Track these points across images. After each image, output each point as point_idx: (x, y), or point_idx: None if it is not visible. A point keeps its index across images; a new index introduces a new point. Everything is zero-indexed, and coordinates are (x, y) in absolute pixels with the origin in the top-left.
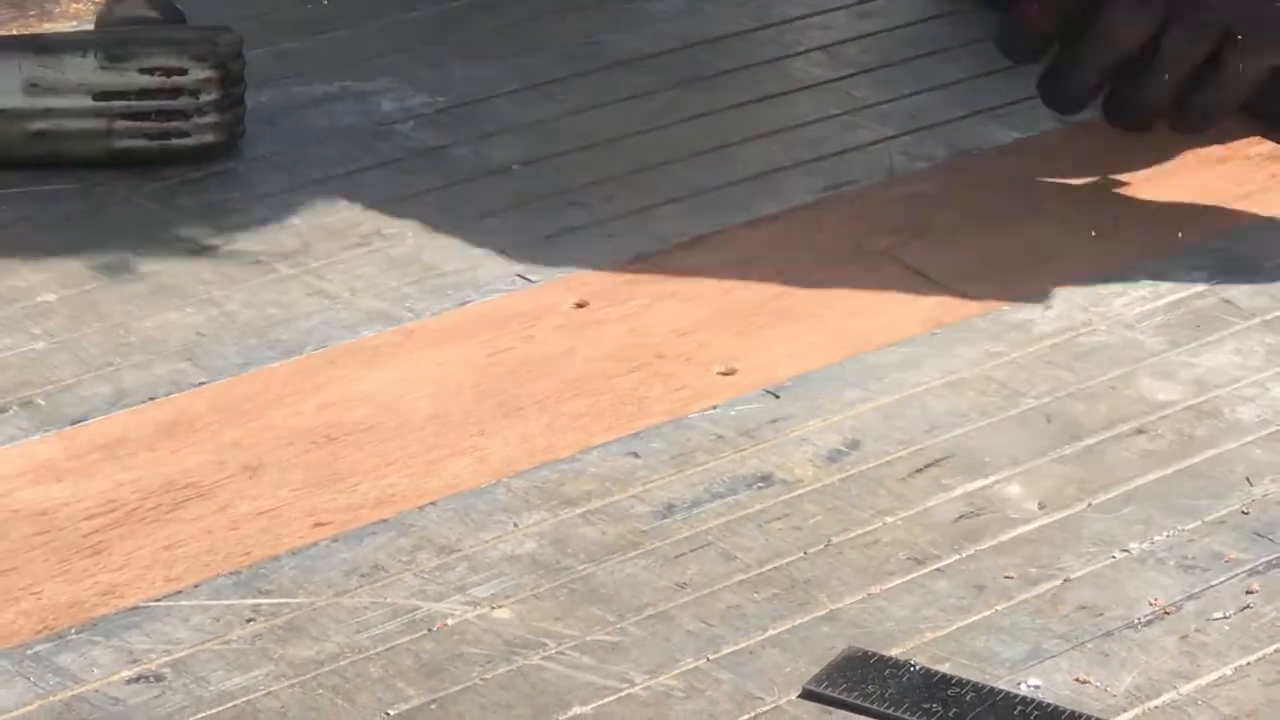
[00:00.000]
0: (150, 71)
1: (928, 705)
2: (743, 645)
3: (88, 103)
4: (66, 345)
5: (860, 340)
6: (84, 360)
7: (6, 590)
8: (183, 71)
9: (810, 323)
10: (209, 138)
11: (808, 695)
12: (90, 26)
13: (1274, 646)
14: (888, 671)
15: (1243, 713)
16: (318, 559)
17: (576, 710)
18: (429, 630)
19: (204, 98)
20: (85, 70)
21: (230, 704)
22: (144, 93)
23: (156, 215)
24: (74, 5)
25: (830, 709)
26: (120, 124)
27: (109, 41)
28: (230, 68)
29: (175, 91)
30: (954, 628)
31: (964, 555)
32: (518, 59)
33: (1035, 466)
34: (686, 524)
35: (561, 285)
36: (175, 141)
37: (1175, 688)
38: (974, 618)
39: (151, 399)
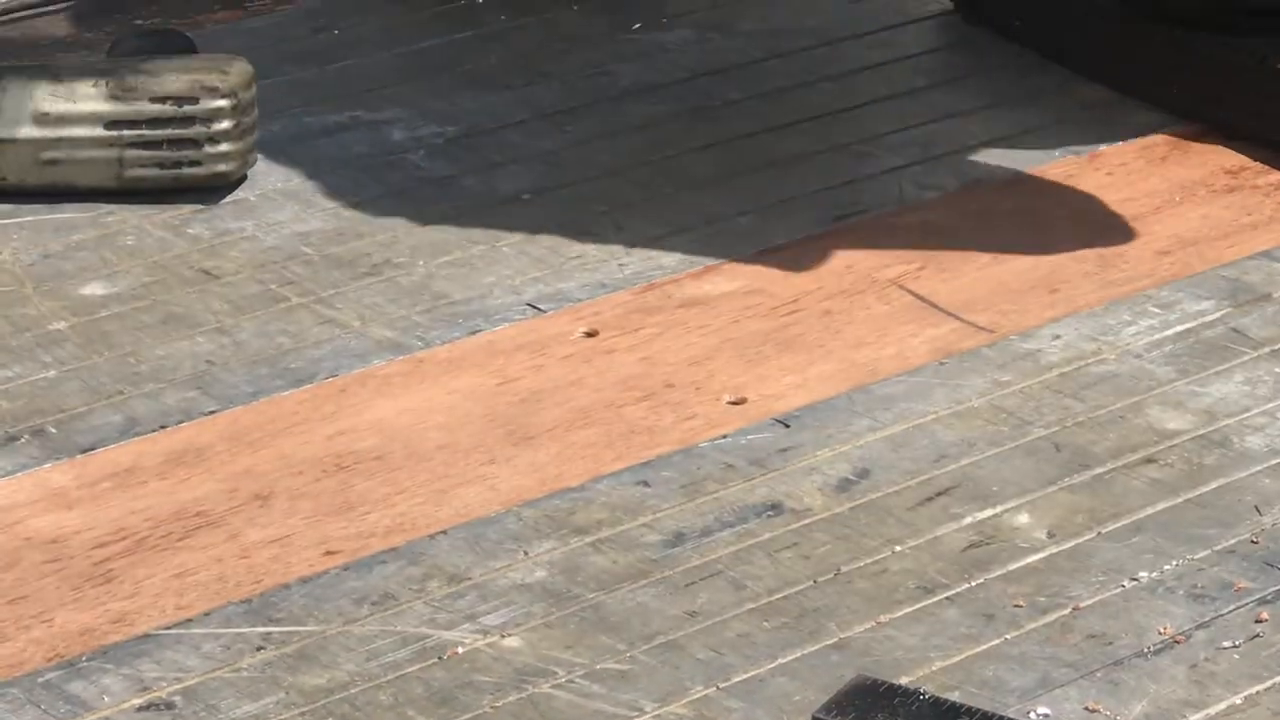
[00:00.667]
0: (162, 100)
1: None
2: (752, 674)
3: (99, 132)
4: (77, 374)
5: (869, 370)
6: (95, 389)
7: (18, 618)
8: (194, 100)
9: (820, 352)
10: (221, 166)
11: None
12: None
13: None
14: (897, 700)
15: None
16: (328, 587)
17: None
18: (439, 658)
19: (216, 126)
20: (97, 99)
21: None
22: (155, 121)
23: (168, 244)
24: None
25: None
26: (131, 153)
27: (120, 71)
28: (241, 97)
29: (187, 120)
30: (963, 656)
31: (973, 584)
32: (527, 89)
33: (1044, 495)
34: (696, 553)
35: (571, 314)
36: (188, 170)
37: (1185, 716)
38: (983, 646)
39: (162, 427)
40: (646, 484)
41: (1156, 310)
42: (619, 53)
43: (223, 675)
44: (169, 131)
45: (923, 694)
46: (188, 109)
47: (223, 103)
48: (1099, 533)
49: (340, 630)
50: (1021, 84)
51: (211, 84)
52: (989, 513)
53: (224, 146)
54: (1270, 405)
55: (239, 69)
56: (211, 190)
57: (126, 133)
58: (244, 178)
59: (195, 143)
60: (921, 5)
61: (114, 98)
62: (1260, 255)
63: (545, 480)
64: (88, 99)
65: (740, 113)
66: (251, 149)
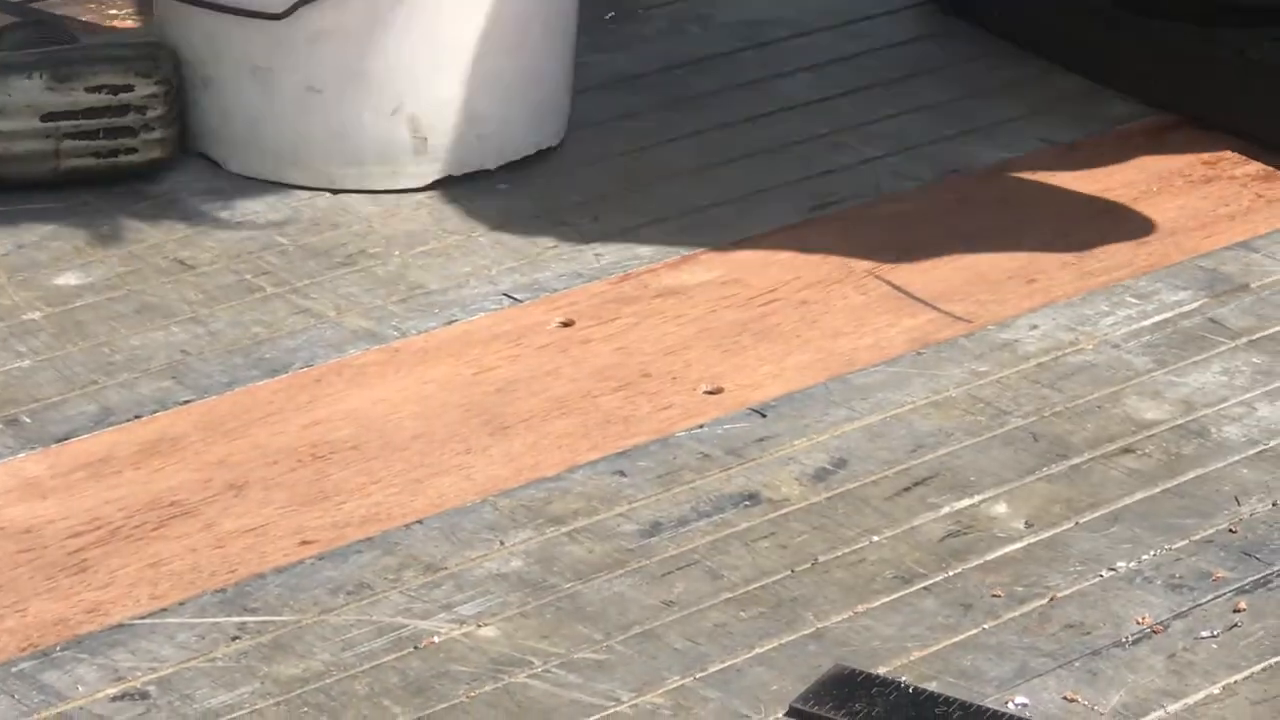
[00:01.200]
0: (97, 90)
1: None
2: (729, 663)
3: (36, 124)
4: (52, 363)
5: (846, 360)
6: (69, 378)
7: None
8: (129, 88)
9: (796, 342)
10: (156, 153)
11: (794, 714)
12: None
13: (1261, 665)
14: (875, 690)
15: None
16: (303, 577)
17: None
18: (415, 648)
19: (151, 113)
20: (33, 92)
21: None
22: (91, 111)
23: (143, 234)
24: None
25: None
26: (68, 144)
27: (54, 61)
28: (172, 82)
29: (123, 109)
30: (941, 646)
31: (951, 574)
32: None
33: (1022, 485)
34: (673, 542)
35: (547, 304)
36: (124, 158)
37: (1163, 706)
38: (961, 636)
39: (137, 417)
40: (623, 474)
41: (1134, 300)
42: (595, 43)
43: (198, 665)
44: (105, 121)
45: (900, 684)
46: (123, 97)
47: (156, 89)
48: (1077, 523)
49: (316, 620)
50: (998, 75)
51: (145, 71)
52: (966, 503)
53: (158, 133)
54: (1248, 395)
55: (168, 54)
56: (147, 177)
57: (63, 124)
58: (180, 163)
59: (131, 130)
60: None
61: (50, 89)
62: (1238, 245)
63: (521, 470)
64: (23, 92)
65: (717, 103)
66: (183, 134)
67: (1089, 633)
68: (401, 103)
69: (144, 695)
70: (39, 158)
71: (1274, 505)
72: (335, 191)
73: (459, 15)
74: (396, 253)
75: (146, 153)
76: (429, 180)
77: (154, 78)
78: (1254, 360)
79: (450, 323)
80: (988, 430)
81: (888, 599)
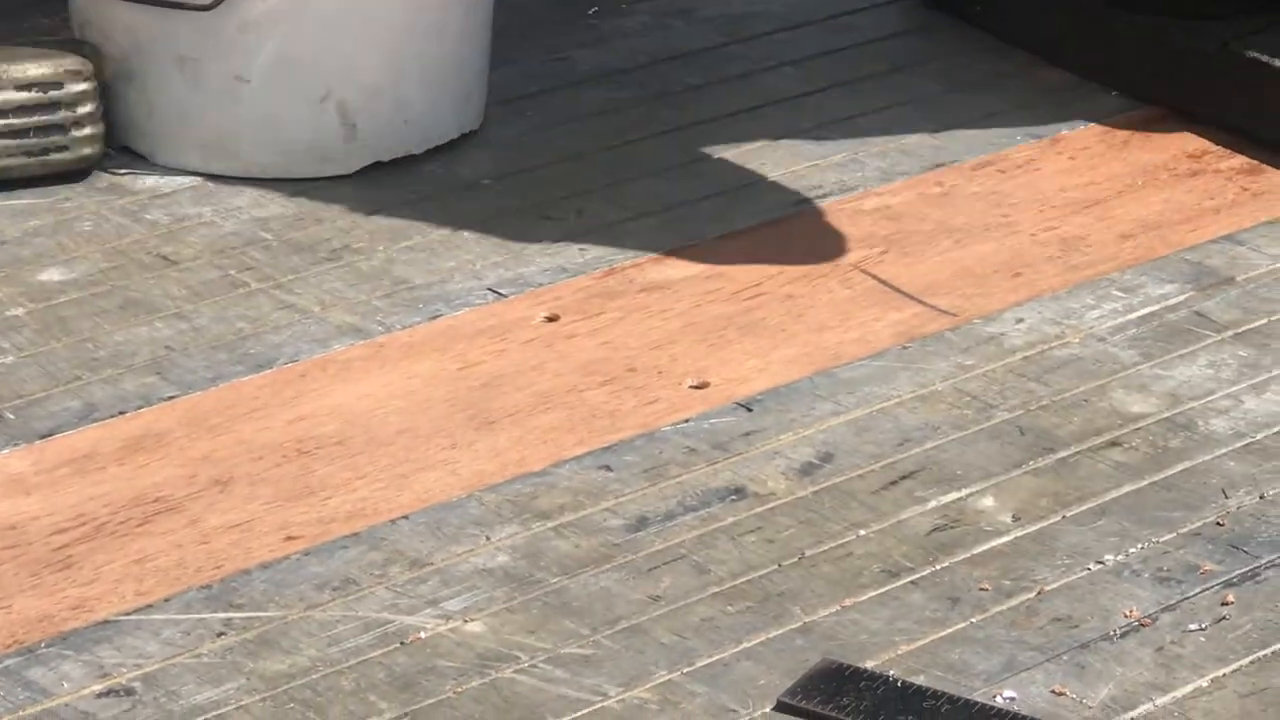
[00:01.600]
0: (27, 87)
1: (903, 717)
2: (716, 658)
3: None
4: (35, 359)
5: (832, 354)
6: (53, 374)
7: None
8: (59, 85)
9: (782, 336)
10: (86, 150)
11: (782, 708)
12: None
13: (1250, 658)
14: (862, 684)
15: None
16: (289, 572)
17: None
18: (401, 643)
19: (80, 110)
20: None
21: (201, 718)
22: (21, 109)
23: (126, 229)
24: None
25: None
26: None
27: None
28: (100, 78)
29: (53, 106)
30: (929, 640)
31: (938, 568)
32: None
33: (1009, 479)
34: (660, 537)
35: (532, 299)
36: (54, 156)
37: (1151, 699)
38: (949, 630)
39: (121, 413)
40: (609, 468)
41: (1120, 294)
42: (579, 38)
43: (183, 661)
44: (35, 119)
45: (888, 677)
46: (53, 94)
47: (86, 86)
48: (1064, 516)
49: (302, 615)
50: (982, 68)
51: (74, 68)
52: (953, 496)
53: (88, 130)
54: (1234, 388)
55: (93, 49)
56: (79, 175)
57: None
58: (110, 160)
59: (62, 128)
60: None
61: None
62: (1223, 239)
63: (507, 465)
64: None
65: (701, 98)
66: (110, 131)
67: (1077, 626)
68: (330, 90)
69: (129, 692)
70: None
71: (1261, 498)
72: (256, 180)
73: (385, 2)
74: (381, 248)
75: (77, 150)
76: (358, 167)
77: (83, 74)
78: (1240, 353)
79: (435, 318)
80: (974, 424)
81: (875, 593)
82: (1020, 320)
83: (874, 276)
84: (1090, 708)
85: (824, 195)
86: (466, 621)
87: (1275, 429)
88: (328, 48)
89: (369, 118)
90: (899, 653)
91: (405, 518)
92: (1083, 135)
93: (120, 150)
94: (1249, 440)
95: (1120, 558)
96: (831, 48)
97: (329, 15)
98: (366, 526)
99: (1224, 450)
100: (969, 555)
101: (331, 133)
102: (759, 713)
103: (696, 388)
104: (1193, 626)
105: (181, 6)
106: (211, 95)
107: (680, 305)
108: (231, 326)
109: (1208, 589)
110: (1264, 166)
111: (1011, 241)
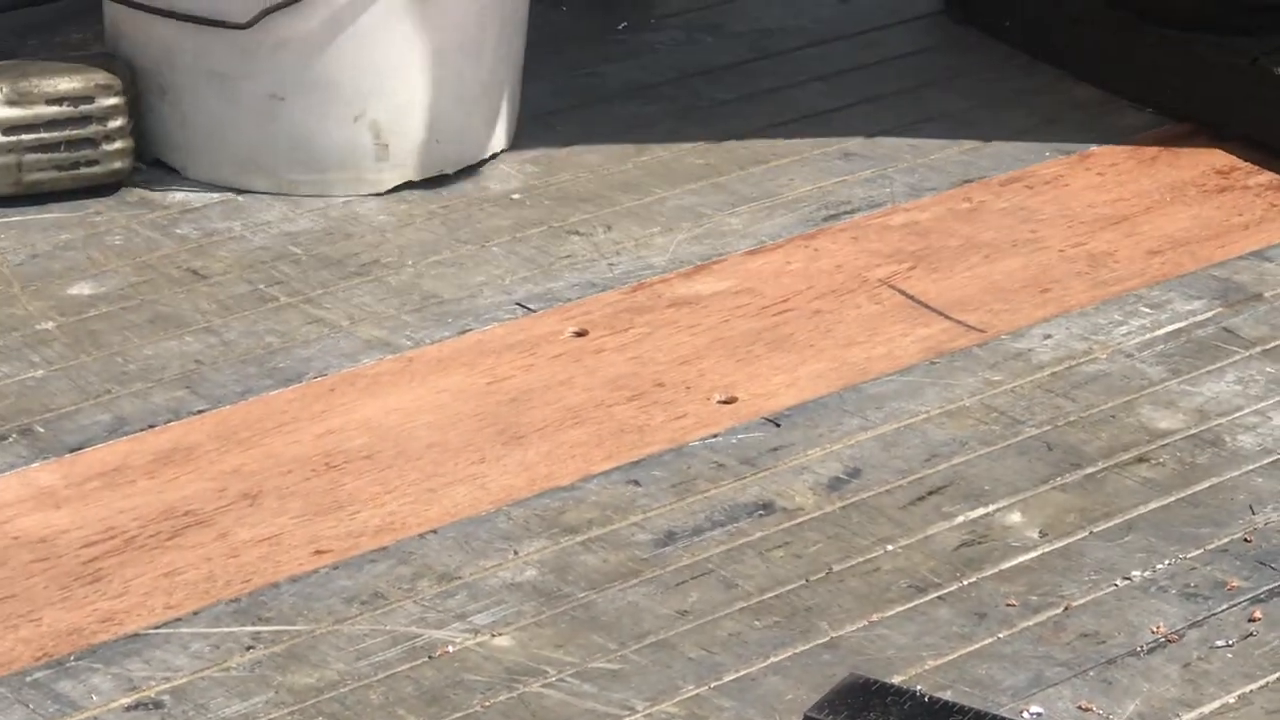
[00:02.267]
0: (58, 102)
1: None
2: (744, 673)
3: None
4: (65, 373)
5: (860, 369)
6: (83, 388)
7: (6, 617)
8: (90, 99)
9: (810, 351)
10: (117, 164)
11: None
12: None
13: (1276, 674)
14: (889, 699)
15: None
16: (318, 586)
17: None
18: (429, 657)
19: (111, 124)
20: None
21: None
22: (53, 124)
23: (156, 244)
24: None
25: None
26: (30, 157)
27: (14, 75)
28: (131, 92)
29: (84, 120)
30: (956, 655)
31: (965, 583)
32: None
33: (1036, 494)
34: (687, 552)
35: (561, 314)
36: (85, 170)
37: (1178, 715)
38: (976, 645)
39: (151, 427)
40: (637, 483)
41: (1148, 310)
42: (608, 53)
43: (212, 674)
44: (67, 133)
45: (915, 693)
46: (83, 108)
47: (116, 100)
48: (1091, 532)
49: (330, 629)
50: (1011, 84)
51: (105, 82)
52: (980, 512)
53: (119, 144)
54: (1262, 404)
55: (124, 64)
56: (109, 189)
57: (25, 137)
58: (139, 174)
59: (93, 142)
60: (911, 5)
61: (11, 102)
62: (1251, 255)
63: (535, 479)
64: None
65: (730, 113)
66: (140, 145)
67: (1104, 642)
68: (364, 109)
69: (158, 705)
70: (2, 172)
71: None
72: (287, 196)
73: (419, 22)
74: (410, 262)
75: (107, 164)
76: (390, 186)
77: (114, 89)
78: (1268, 369)
79: (464, 332)
80: (1002, 440)
81: (902, 608)
82: (1048, 336)
83: (902, 292)
84: None
85: (852, 211)
86: (494, 636)
87: None
88: (362, 67)
89: (401, 137)
90: (926, 668)
91: (434, 532)
92: (1111, 151)
93: (153, 164)
94: (1276, 457)
95: (1147, 574)
96: (860, 63)
97: (364, 35)
98: (395, 540)
99: (1251, 466)
100: (996, 571)
101: (364, 152)
102: None
103: (724, 403)
104: (1220, 643)
105: (218, 24)
106: (246, 112)
107: (708, 320)
108: (261, 341)
109: (1235, 605)
110: None
111: (1039, 257)
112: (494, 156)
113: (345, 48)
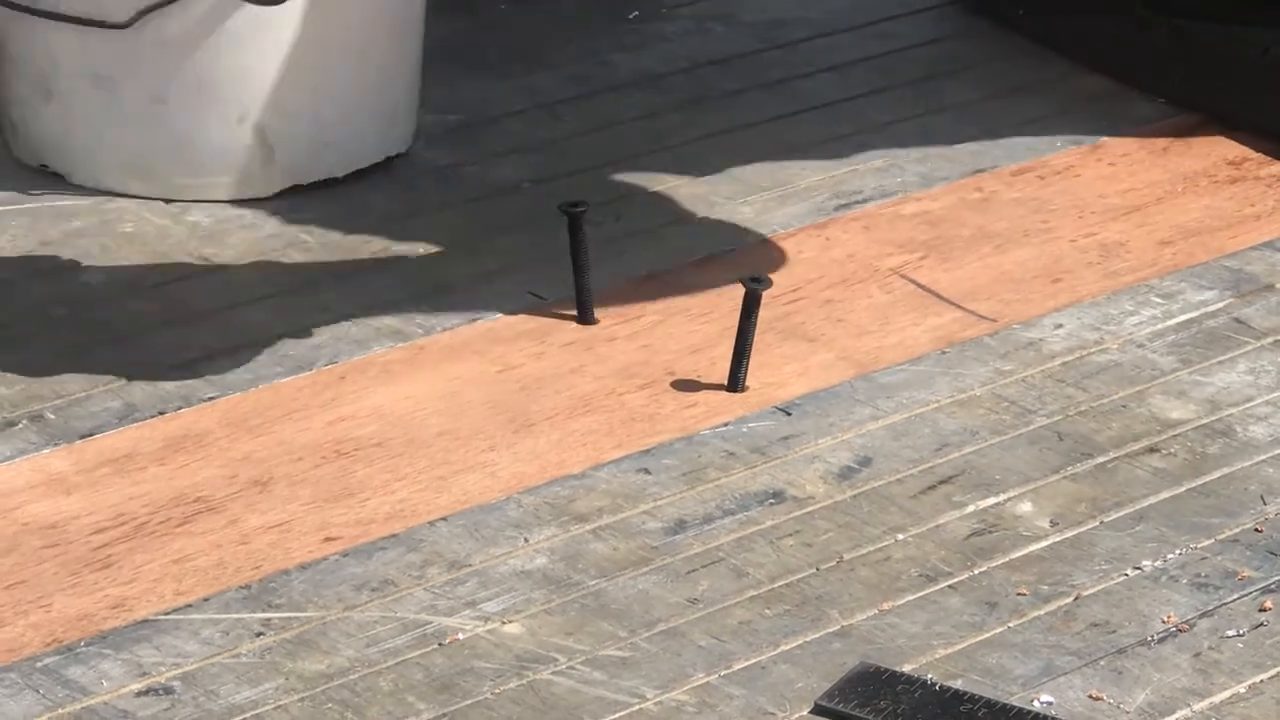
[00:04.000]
0: None
1: None
2: (754, 661)
3: None
4: (76, 359)
5: (871, 358)
6: (94, 374)
7: (16, 603)
8: None
9: (821, 340)
10: None
11: (819, 711)
12: None
13: None
14: (900, 688)
15: None
16: (328, 573)
17: None
18: (439, 645)
19: None
20: None
21: (239, 717)
22: None
23: (167, 231)
24: None
25: None
26: None
27: None
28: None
29: None
30: (966, 644)
31: (976, 572)
32: (528, 78)
33: (1047, 484)
34: (698, 540)
35: (572, 302)
36: None
37: (1189, 705)
38: (986, 634)
39: (161, 413)
40: (647, 471)
41: (1159, 300)
42: (619, 42)
43: (222, 661)
44: None
45: (926, 681)
46: None
47: None
48: (1102, 521)
49: (340, 616)
50: (1023, 74)
51: None
52: (991, 501)
53: None
54: (1274, 395)
55: None
56: None
57: None
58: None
59: None
60: None
61: None
62: (1263, 246)
63: (546, 467)
64: None
65: (740, 103)
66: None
67: (1114, 631)
68: (248, 111)
69: (168, 691)
70: None
71: None
72: (169, 201)
73: (304, 22)
74: (421, 250)
75: None
76: (275, 190)
77: None
78: (1279, 360)
79: (475, 320)
80: (1013, 429)
81: (913, 597)
82: (1059, 326)
83: (913, 281)
84: (1127, 713)
85: (863, 200)
86: (505, 623)
87: None
88: (244, 68)
89: (287, 140)
90: (936, 656)
91: (444, 519)
92: (1123, 142)
93: (39, 169)
94: None
95: (1158, 563)
96: (870, 53)
97: (244, 36)
98: (405, 528)
99: (1263, 457)
100: (1007, 560)
101: (249, 155)
102: (796, 716)
103: (735, 392)
104: (1230, 633)
105: (97, 24)
106: (128, 115)
107: (719, 309)
108: (271, 328)
109: (1246, 595)
110: None
111: (1051, 247)
112: (502, 138)
113: (226, 48)
